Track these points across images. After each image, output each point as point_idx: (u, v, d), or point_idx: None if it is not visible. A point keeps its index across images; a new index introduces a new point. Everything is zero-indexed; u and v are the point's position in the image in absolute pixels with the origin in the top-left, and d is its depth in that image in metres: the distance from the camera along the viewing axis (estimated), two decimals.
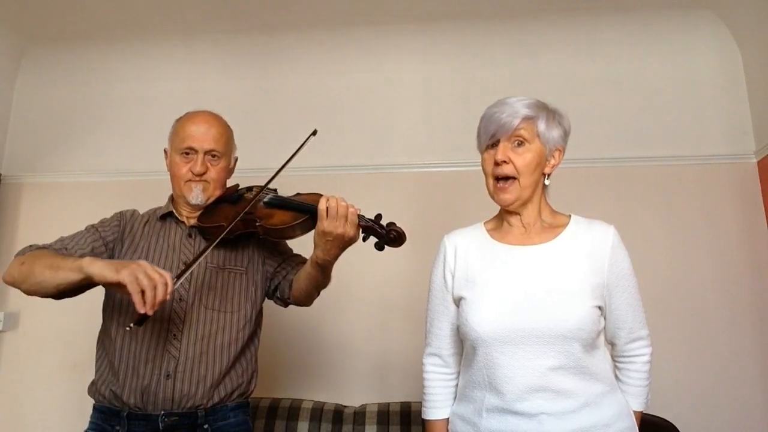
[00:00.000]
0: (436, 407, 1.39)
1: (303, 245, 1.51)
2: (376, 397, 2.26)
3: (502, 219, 1.41)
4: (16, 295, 2.73)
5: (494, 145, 1.34)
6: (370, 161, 2.60)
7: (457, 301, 1.35)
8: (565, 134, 1.37)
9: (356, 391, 2.38)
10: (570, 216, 1.38)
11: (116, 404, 1.42)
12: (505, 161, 1.30)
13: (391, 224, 1.38)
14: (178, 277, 1.28)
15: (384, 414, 2.10)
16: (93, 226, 1.56)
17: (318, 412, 2.11)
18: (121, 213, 1.61)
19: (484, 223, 1.44)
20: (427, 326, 1.43)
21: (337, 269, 1.48)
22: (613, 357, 1.36)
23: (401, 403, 2.17)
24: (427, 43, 2.67)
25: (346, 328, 2.47)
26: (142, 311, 1.16)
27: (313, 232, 1.40)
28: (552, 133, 1.33)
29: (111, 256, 1.52)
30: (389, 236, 1.36)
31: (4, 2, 2.49)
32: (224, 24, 2.64)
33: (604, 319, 1.31)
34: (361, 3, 2.51)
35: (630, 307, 1.31)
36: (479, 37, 2.63)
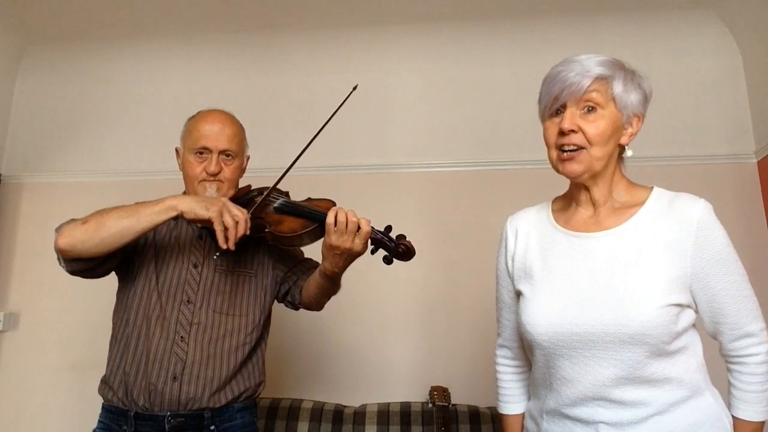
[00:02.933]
0: (509, 401, 1.31)
1: (313, 247, 1.50)
2: (376, 397, 2.26)
3: (570, 197, 1.24)
4: (16, 295, 2.73)
5: (559, 111, 1.14)
6: (371, 161, 2.60)
7: (517, 294, 1.24)
8: (645, 99, 1.17)
9: (356, 391, 2.38)
10: (651, 189, 1.18)
11: (125, 403, 1.42)
12: (573, 130, 1.11)
13: (401, 237, 1.35)
14: (252, 213, 1.39)
15: (384, 414, 2.10)
16: None
17: (318, 412, 2.11)
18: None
19: (553, 202, 1.29)
20: (497, 316, 1.35)
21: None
22: (722, 356, 1.17)
23: (401, 403, 2.17)
24: (427, 43, 2.67)
25: (347, 328, 2.47)
26: (224, 247, 1.30)
27: (321, 241, 1.39)
28: (630, 96, 1.13)
29: (135, 246, 1.50)
30: (398, 250, 1.33)
31: (4, 2, 2.49)
32: (224, 24, 2.64)
33: (696, 313, 1.12)
34: (361, 3, 2.51)
35: (731, 297, 1.09)
36: (479, 37, 2.63)
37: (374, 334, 2.46)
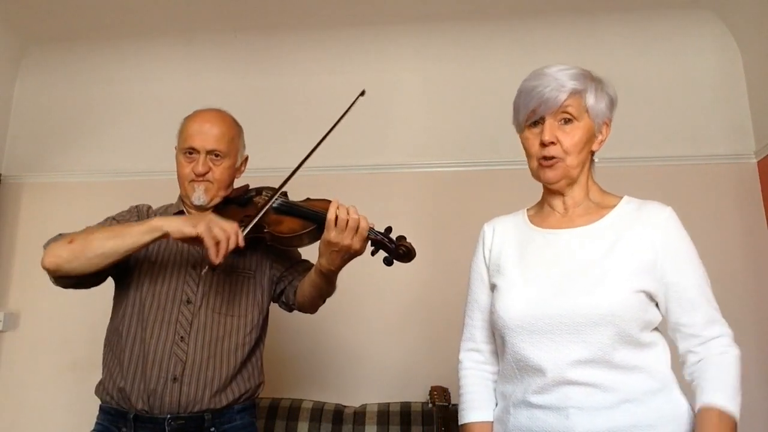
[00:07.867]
0: (477, 407, 1.24)
1: (310, 249, 1.50)
2: (376, 397, 2.26)
3: (544, 202, 1.30)
4: (16, 295, 2.73)
5: (536, 123, 1.21)
6: (371, 161, 2.60)
7: (492, 289, 1.26)
8: (612, 103, 1.24)
9: (356, 391, 2.38)
10: (622, 197, 1.25)
11: (123, 406, 1.41)
12: (553, 142, 1.18)
13: (401, 238, 1.35)
14: (244, 227, 1.34)
15: (384, 414, 2.10)
16: (112, 218, 1.56)
17: (318, 412, 2.11)
18: (137, 207, 1.61)
19: (527, 209, 1.34)
20: (466, 319, 1.33)
21: (341, 271, 1.47)
22: (684, 362, 1.15)
23: (401, 403, 2.17)
24: (427, 43, 2.67)
25: (347, 329, 2.46)
26: (216, 262, 1.27)
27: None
28: (600, 105, 1.21)
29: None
30: (398, 252, 1.33)
31: (4, 2, 2.49)
32: (224, 24, 2.64)
33: (659, 309, 1.15)
34: (361, 3, 2.51)
35: (698, 289, 1.13)
36: (479, 37, 2.63)
37: (374, 334, 2.46)
